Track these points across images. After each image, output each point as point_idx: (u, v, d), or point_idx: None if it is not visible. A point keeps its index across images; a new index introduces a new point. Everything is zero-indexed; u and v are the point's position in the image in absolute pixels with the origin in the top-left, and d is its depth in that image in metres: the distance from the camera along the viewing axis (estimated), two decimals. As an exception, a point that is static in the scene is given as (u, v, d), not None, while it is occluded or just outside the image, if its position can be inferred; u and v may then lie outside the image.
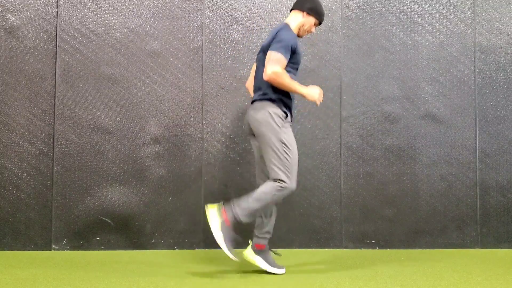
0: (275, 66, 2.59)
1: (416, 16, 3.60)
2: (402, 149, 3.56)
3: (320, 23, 2.89)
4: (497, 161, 3.56)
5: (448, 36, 3.60)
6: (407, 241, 3.53)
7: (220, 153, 3.53)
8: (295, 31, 2.81)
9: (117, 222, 3.47)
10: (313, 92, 2.70)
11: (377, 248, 3.53)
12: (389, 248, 3.52)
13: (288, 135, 2.68)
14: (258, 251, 2.75)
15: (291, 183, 2.64)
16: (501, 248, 3.52)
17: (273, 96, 2.68)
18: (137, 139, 3.51)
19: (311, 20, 2.82)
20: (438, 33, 3.60)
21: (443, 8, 3.61)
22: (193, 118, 3.54)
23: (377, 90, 3.58)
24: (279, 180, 2.63)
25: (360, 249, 3.52)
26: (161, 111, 3.52)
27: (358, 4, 3.60)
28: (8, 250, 3.40)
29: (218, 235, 2.59)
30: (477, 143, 3.57)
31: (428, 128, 3.57)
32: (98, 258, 3.18)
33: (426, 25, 3.60)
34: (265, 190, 2.63)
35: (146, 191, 3.49)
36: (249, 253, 2.77)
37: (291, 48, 2.65)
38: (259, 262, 2.73)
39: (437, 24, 3.60)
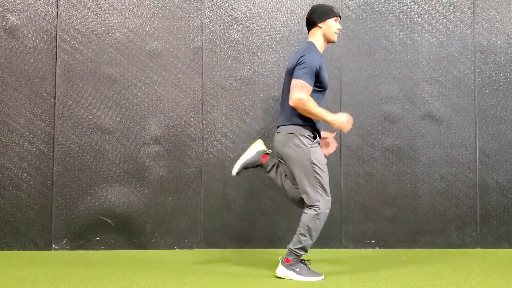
0: (300, 93, 2.58)
1: (416, 16, 3.60)
2: (402, 149, 3.56)
3: (338, 16, 2.78)
4: (497, 161, 3.56)
5: (448, 36, 3.60)
6: (407, 241, 3.53)
7: (220, 153, 3.53)
8: (322, 47, 2.77)
9: (117, 222, 3.47)
10: (340, 120, 2.66)
11: (377, 248, 3.53)
12: (389, 248, 3.52)
13: (317, 154, 2.67)
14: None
15: (324, 202, 2.65)
16: (501, 248, 3.52)
17: (299, 120, 2.67)
18: (137, 139, 3.51)
19: (329, 22, 2.75)
20: (438, 33, 3.60)
21: (443, 8, 3.61)
22: (193, 118, 3.54)
23: (377, 90, 3.58)
24: (312, 206, 2.64)
25: (360, 249, 3.52)
26: (161, 111, 3.52)
27: (358, 4, 3.60)
28: (8, 250, 3.40)
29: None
30: (477, 143, 3.57)
31: (428, 128, 3.57)
32: (98, 258, 3.18)
33: (426, 25, 3.60)
34: (307, 222, 2.65)
35: (146, 191, 3.49)
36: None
37: (316, 71, 2.63)
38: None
39: (437, 24, 3.60)
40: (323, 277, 2.66)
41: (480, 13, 3.61)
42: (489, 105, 3.58)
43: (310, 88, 2.62)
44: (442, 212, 3.54)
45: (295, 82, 2.61)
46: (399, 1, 3.61)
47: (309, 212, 2.65)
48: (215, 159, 3.53)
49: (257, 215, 3.52)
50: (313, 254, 3.35)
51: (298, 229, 2.67)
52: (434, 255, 3.30)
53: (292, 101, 2.61)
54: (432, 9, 3.61)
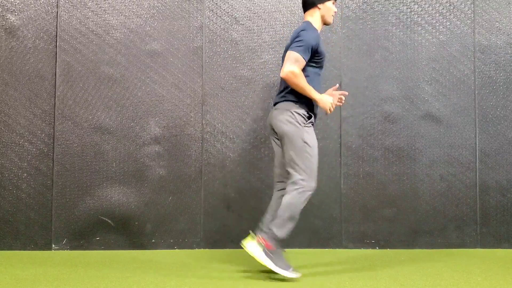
0: (292, 66, 2.60)
1: (416, 16, 3.60)
2: (402, 149, 3.56)
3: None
4: (497, 161, 3.56)
5: (448, 36, 3.60)
6: (407, 241, 3.53)
7: (220, 153, 3.53)
8: (319, 27, 2.81)
9: (117, 222, 3.47)
10: (326, 100, 2.68)
11: (377, 248, 3.53)
12: (389, 248, 3.52)
13: (310, 134, 2.70)
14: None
15: (310, 182, 2.65)
16: (501, 248, 3.52)
17: (296, 97, 2.69)
18: (137, 139, 3.51)
19: (328, 5, 2.79)
20: (438, 33, 3.60)
21: (443, 8, 3.61)
22: (193, 118, 3.54)
23: (377, 90, 3.58)
24: (299, 180, 2.64)
25: (360, 249, 3.52)
26: (161, 111, 3.52)
27: (358, 4, 3.60)
28: (8, 250, 3.40)
29: (268, 263, 2.59)
30: (477, 143, 3.57)
31: (428, 128, 3.57)
32: (98, 258, 3.18)
33: (426, 25, 3.60)
34: (289, 199, 2.64)
35: (146, 191, 3.49)
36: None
37: (312, 48, 2.65)
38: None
39: (437, 24, 3.60)
40: (299, 275, 2.61)
41: (480, 13, 3.61)
42: (489, 105, 3.58)
43: (303, 62, 2.64)
44: (442, 212, 3.54)
45: (289, 54, 2.64)
46: (399, 1, 3.61)
47: (292, 189, 2.64)
48: (215, 159, 3.53)
49: (257, 215, 3.52)
50: (313, 254, 3.36)
51: (279, 211, 2.64)
52: (434, 255, 3.30)
53: (283, 73, 2.62)
54: (432, 9, 3.61)
